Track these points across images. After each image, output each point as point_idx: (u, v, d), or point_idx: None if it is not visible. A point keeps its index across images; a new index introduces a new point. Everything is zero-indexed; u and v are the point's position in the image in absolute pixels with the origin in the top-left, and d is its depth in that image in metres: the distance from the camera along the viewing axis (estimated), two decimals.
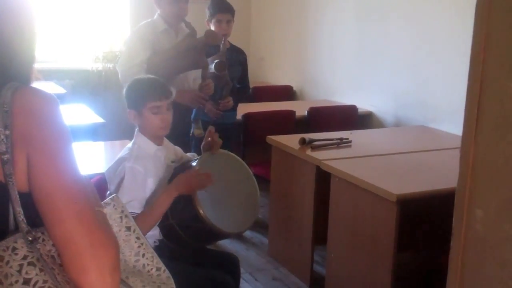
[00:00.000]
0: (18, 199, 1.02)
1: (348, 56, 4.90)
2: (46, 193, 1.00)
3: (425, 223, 2.94)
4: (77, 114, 3.96)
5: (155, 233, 2.23)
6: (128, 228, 1.21)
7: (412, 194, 2.62)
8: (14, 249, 1.01)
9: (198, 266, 2.30)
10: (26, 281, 1.00)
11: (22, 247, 1.01)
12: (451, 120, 3.86)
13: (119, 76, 3.23)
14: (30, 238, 1.02)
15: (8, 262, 0.99)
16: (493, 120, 0.99)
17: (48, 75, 5.00)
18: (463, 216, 1.03)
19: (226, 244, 3.69)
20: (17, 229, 1.04)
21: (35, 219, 1.05)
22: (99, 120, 3.80)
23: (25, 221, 1.03)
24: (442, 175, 2.85)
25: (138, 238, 1.23)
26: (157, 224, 2.16)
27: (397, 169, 3.00)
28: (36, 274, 1.00)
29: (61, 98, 4.44)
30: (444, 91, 3.94)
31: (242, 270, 2.56)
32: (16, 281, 0.99)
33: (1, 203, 1.02)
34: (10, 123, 0.99)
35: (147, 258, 1.23)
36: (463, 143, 1.05)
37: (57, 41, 5.44)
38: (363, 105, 4.68)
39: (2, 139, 0.99)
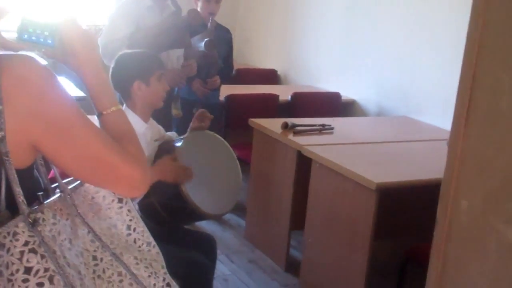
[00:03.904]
0: (17, 178, 0.97)
1: (334, 43, 4.88)
2: (75, 164, 1.04)
3: (402, 211, 2.96)
4: None
5: None
6: (121, 200, 1.17)
7: (392, 183, 2.63)
8: (15, 234, 0.95)
9: (175, 246, 2.28)
10: (27, 270, 0.95)
11: (23, 231, 0.96)
12: (433, 112, 3.88)
13: (99, 50, 3.17)
14: (31, 221, 0.98)
15: (9, 249, 0.94)
16: (484, 111, 0.98)
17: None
18: (447, 207, 1.02)
19: (203, 225, 3.68)
20: (8, 209, 0.99)
21: (31, 197, 1.01)
22: (80, 94, 3.74)
23: (25, 202, 0.98)
24: (422, 166, 2.88)
25: (129, 211, 1.18)
26: (137, 201, 2.13)
27: (377, 158, 3.01)
28: (37, 262, 0.96)
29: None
30: (428, 84, 3.95)
31: (218, 251, 2.56)
32: (17, 270, 0.94)
33: None
34: (1, 97, 0.93)
35: (137, 233, 1.19)
36: (452, 133, 1.04)
37: (40, 13, 5.31)
38: (347, 93, 4.68)
39: None
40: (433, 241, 1.07)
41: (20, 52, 1.03)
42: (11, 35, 1.06)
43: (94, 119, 1.13)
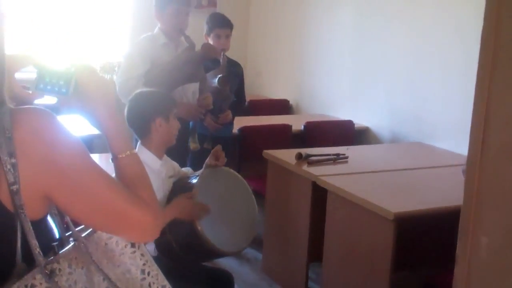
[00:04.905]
0: (32, 231, 0.98)
1: (345, 71, 4.89)
2: (87, 213, 1.04)
3: (421, 241, 2.90)
4: (72, 125, 3.90)
5: (149, 249, 2.19)
6: (133, 245, 1.17)
7: (410, 213, 2.59)
8: (33, 286, 0.96)
9: (192, 284, 2.26)
10: None
11: (41, 283, 0.98)
12: (447, 138, 3.84)
13: (117, 88, 3.21)
14: (48, 272, 0.99)
15: None
16: (499, 143, 0.96)
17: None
18: (467, 243, 1.00)
19: (220, 259, 3.64)
20: (25, 261, 0.99)
21: (46, 247, 1.03)
22: (95, 131, 3.76)
23: (41, 254, 0.99)
24: (439, 193, 2.83)
25: (142, 255, 1.19)
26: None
27: (394, 186, 2.97)
28: None
29: (56, 108, 4.38)
30: (441, 108, 3.93)
31: (235, 286, 2.52)
32: None
33: (10, 235, 0.98)
34: (15, 151, 0.95)
35: (152, 277, 1.19)
36: (468, 167, 1.02)
37: (54, 51, 5.41)
38: (360, 120, 4.66)
39: (9, 169, 0.94)
40: (454, 279, 1.05)
41: (34, 101, 1.05)
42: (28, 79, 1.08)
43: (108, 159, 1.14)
